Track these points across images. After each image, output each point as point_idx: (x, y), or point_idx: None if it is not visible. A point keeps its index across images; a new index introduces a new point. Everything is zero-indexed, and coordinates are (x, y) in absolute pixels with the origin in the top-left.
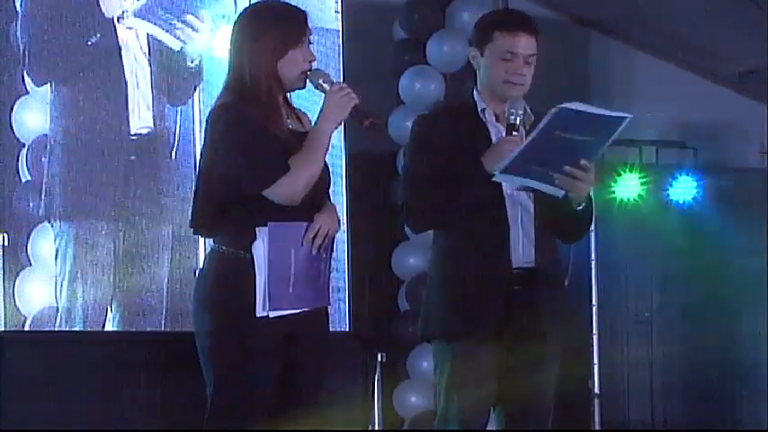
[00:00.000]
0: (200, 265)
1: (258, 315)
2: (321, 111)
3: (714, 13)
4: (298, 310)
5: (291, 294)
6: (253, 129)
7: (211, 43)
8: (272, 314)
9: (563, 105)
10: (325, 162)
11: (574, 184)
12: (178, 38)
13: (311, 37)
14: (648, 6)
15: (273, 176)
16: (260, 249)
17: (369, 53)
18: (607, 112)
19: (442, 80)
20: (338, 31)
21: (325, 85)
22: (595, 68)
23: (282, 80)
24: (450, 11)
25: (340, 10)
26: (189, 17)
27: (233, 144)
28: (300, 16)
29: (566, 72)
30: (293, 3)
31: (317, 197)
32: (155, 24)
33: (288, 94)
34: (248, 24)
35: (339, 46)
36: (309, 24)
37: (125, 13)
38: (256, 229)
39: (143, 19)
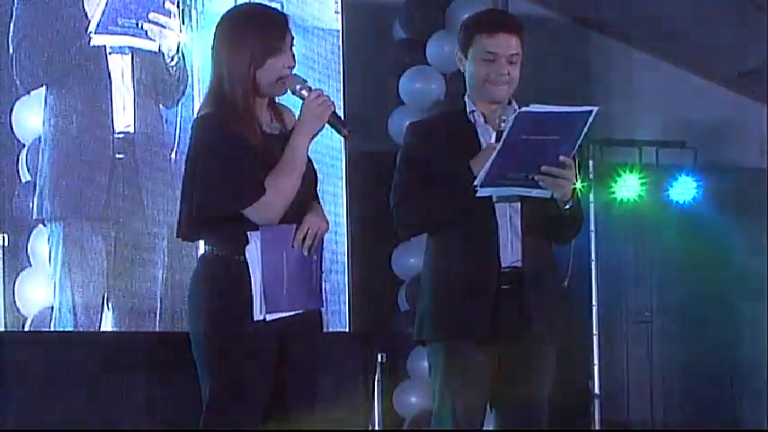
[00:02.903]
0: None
1: (255, 319)
2: (297, 123)
3: (714, 13)
4: (292, 313)
5: (285, 296)
6: (231, 145)
7: (193, 38)
8: (269, 317)
9: (522, 110)
10: (310, 162)
11: (555, 182)
12: (152, 39)
13: (293, 41)
14: (648, 6)
15: (250, 199)
16: (254, 254)
17: (369, 53)
18: (570, 109)
19: (442, 80)
20: (338, 31)
21: (303, 92)
22: (595, 68)
23: (260, 88)
24: (450, 11)
25: (340, 10)
26: (154, 16)
27: (211, 164)
28: (281, 22)
29: (566, 72)
30: (292, 4)
31: (305, 198)
32: (120, 35)
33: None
34: (227, 32)
35: (339, 46)
36: (291, 28)
37: (90, 34)
38: (248, 233)
39: (106, 34)
